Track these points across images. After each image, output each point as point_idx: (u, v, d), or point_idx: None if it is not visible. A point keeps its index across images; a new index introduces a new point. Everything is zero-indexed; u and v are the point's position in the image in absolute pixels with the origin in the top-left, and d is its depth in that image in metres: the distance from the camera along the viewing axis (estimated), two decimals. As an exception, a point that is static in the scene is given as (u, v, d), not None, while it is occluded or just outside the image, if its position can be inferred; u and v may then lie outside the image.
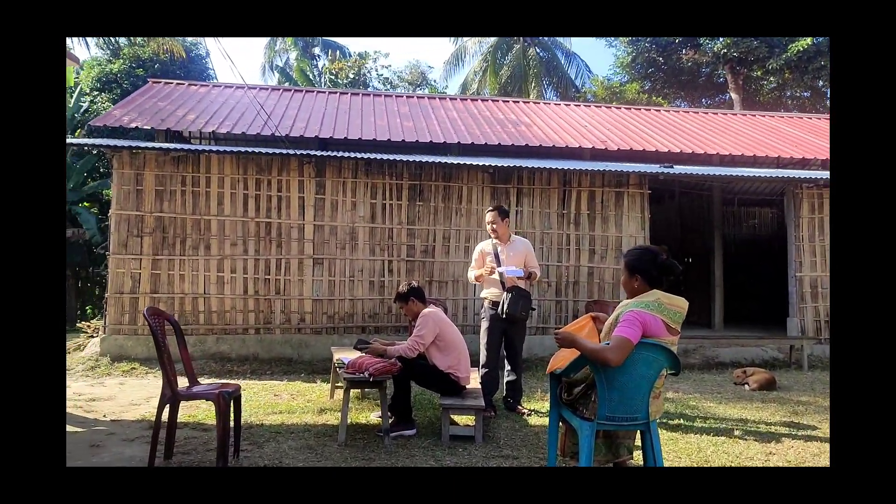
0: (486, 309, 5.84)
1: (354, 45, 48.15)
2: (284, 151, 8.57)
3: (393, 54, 66.25)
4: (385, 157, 8.70)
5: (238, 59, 58.04)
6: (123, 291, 8.30)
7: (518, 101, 14.39)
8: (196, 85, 12.81)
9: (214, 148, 8.72)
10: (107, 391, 6.71)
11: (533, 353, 8.51)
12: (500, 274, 5.65)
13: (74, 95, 17.84)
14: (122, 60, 18.90)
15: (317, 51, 28.21)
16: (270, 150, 8.56)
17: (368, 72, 26.12)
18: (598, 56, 49.43)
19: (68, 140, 11.81)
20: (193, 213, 8.48)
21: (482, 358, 5.80)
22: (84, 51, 26.08)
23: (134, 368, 7.78)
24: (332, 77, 25.02)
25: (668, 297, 3.21)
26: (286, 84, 21.99)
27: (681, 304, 3.22)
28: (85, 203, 16.80)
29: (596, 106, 15.16)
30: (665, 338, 3.15)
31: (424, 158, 8.95)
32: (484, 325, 5.86)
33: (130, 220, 8.35)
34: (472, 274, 6.01)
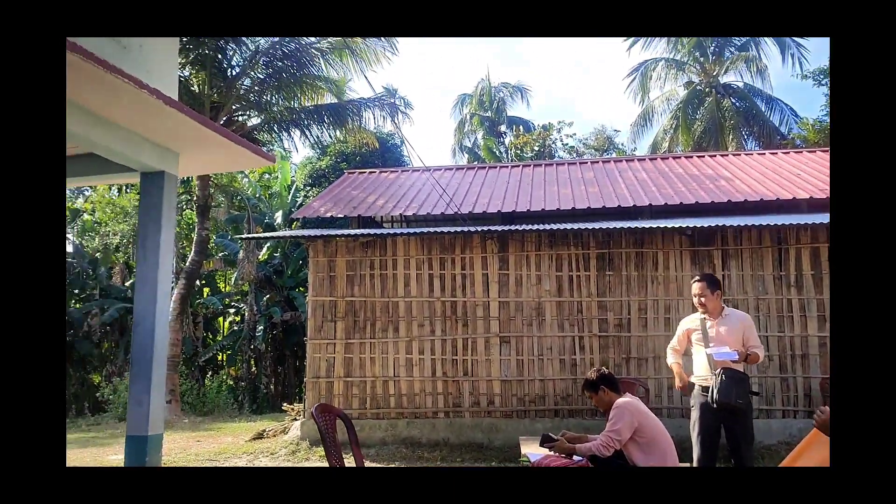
0: (696, 395, 4.96)
1: (538, 118, 48.86)
2: (466, 229, 8.49)
3: (577, 122, 66.34)
4: (568, 226, 8.24)
5: (430, 144, 61.87)
6: (320, 375, 8.57)
7: (714, 155, 13.16)
8: (387, 172, 13.49)
9: (398, 231, 8.90)
10: (302, 478, 6.78)
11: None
12: (709, 356, 4.80)
13: (291, 191, 20.00)
14: (328, 157, 20.84)
15: (503, 128, 28.94)
16: (452, 229, 8.53)
17: (553, 142, 26.10)
18: (803, 97, 44.94)
19: (270, 234, 12.93)
20: (382, 295, 8.63)
21: (694, 454, 4.91)
22: (297, 155, 29.36)
23: (330, 452, 7.87)
24: (518, 152, 25.35)
25: None
26: (475, 163, 22.65)
27: None
28: (300, 289, 18.36)
29: (809, 151, 13.38)
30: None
31: (611, 224, 8.34)
32: (694, 414, 4.97)
33: (325, 305, 8.69)
34: (671, 359, 5.21)
